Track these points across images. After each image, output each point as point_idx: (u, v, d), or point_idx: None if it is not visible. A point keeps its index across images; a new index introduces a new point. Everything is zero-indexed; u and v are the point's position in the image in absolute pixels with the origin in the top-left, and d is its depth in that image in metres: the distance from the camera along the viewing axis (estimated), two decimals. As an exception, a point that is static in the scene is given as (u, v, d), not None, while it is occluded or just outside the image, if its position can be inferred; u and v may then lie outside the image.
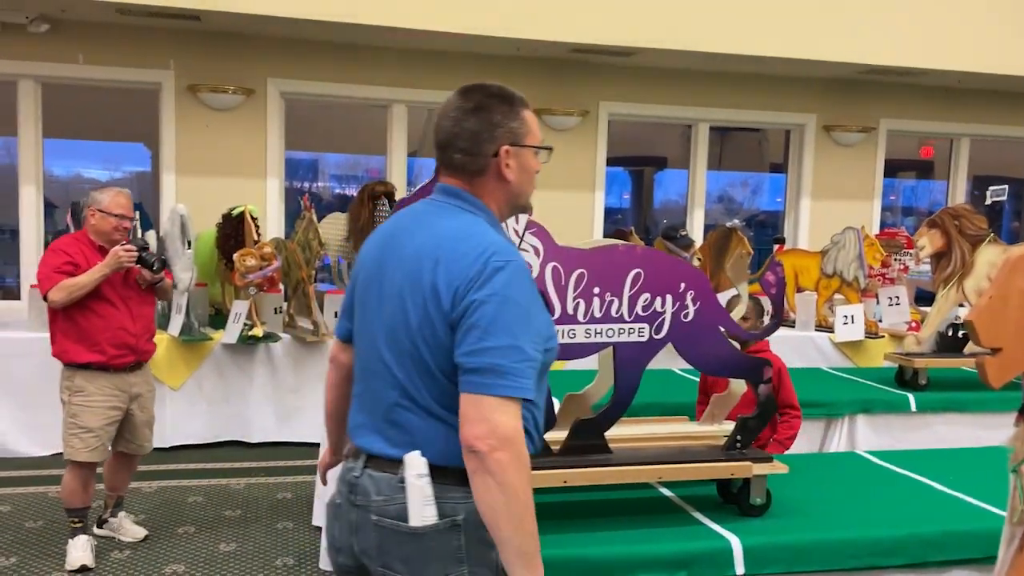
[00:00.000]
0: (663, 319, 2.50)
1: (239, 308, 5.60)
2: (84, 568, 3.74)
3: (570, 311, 2.43)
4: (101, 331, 3.75)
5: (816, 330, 6.57)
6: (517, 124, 1.71)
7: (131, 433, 3.97)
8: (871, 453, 3.45)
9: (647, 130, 9.28)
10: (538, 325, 1.61)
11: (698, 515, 2.57)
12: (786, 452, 3.57)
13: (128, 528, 4.13)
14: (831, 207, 7.89)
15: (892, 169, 10.29)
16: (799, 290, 6.74)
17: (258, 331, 5.58)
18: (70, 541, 3.82)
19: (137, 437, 3.99)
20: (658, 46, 6.52)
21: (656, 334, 2.51)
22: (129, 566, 3.85)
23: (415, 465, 1.58)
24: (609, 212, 11.24)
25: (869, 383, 4.88)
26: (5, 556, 3.89)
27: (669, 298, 2.50)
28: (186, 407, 5.57)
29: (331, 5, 5.88)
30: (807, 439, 4.40)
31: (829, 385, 4.88)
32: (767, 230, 10.98)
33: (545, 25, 6.28)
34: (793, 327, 6.53)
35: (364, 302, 1.74)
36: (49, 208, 7.24)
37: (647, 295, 2.49)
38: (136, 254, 3.73)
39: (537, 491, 2.27)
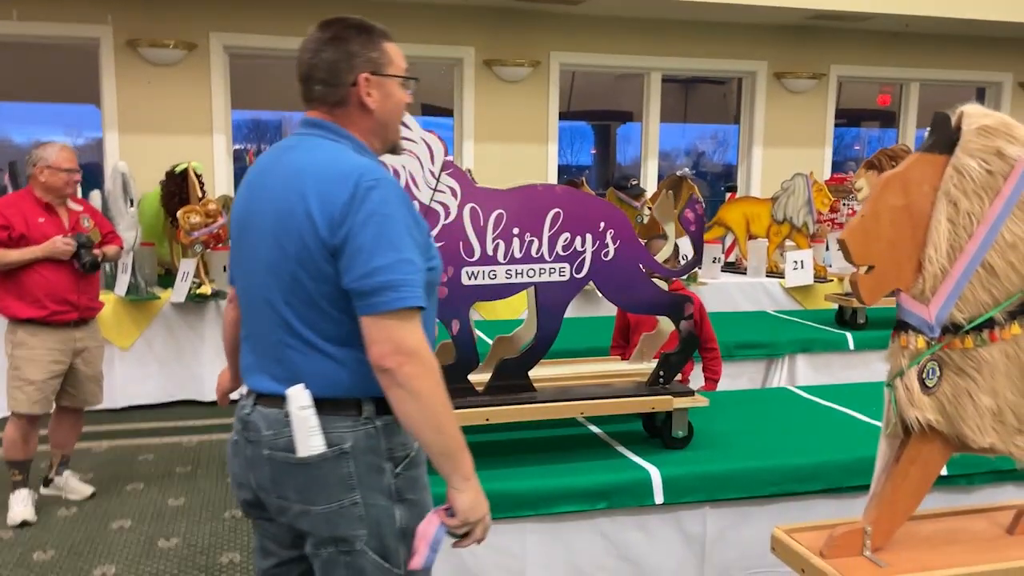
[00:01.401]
0: (583, 258, 2.53)
1: (186, 266, 5.56)
2: (25, 523, 3.75)
3: (490, 252, 2.44)
4: (41, 287, 3.75)
5: (767, 276, 6.66)
6: (377, 54, 1.72)
7: (75, 387, 3.97)
8: (801, 388, 3.53)
9: (611, 84, 9.24)
10: (418, 236, 1.64)
11: (621, 449, 2.63)
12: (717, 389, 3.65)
13: (74, 486, 4.13)
14: (783, 155, 7.95)
15: (855, 118, 10.36)
16: (751, 237, 6.82)
17: (206, 289, 5.55)
18: (11, 496, 3.83)
19: (81, 391, 3.99)
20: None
21: (577, 273, 2.53)
22: (75, 523, 3.86)
23: (297, 398, 1.62)
24: (573, 168, 11.22)
25: (810, 324, 4.98)
26: (-50, 516, 3.89)
27: (589, 237, 2.52)
28: (137, 367, 5.54)
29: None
30: (748, 379, 4.50)
31: (771, 326, 4.97)
32: (728, 180, 11.06)
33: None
34: (744, 274, 6.61)
35: (240, 246, 1.76)
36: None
37: (567, 235, 2.51)
38: (72, 250, 3.78)
39: (462, 430, 2.34)
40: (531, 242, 2.48)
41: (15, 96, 7.44)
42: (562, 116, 7.40)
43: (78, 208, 4.10)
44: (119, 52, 6.28)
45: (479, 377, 2.54)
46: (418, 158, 2.34)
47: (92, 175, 5.91)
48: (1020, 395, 1.69)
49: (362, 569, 1.67)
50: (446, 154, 2.37)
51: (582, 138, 13.05)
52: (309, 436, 1.63)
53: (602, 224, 2.54)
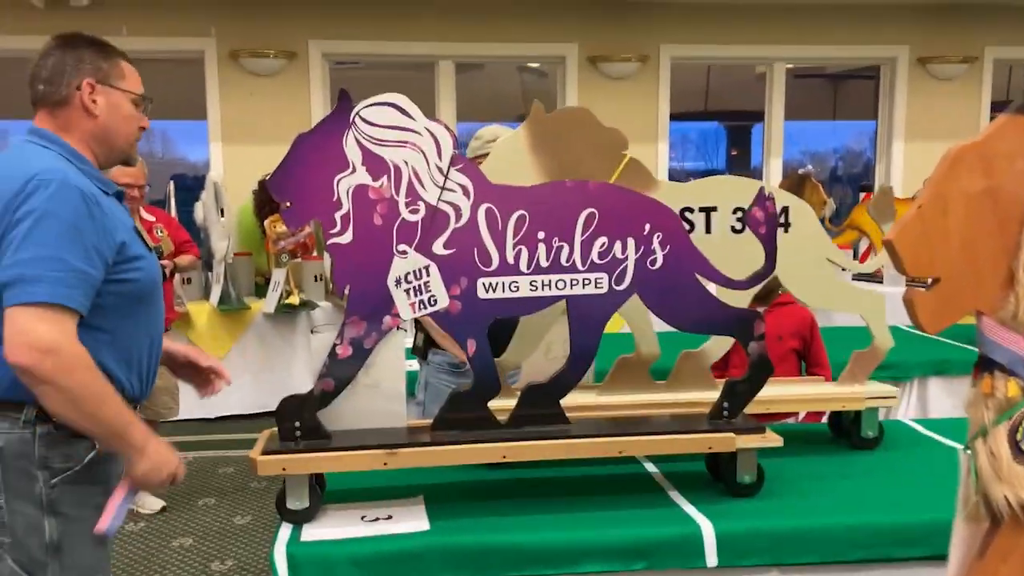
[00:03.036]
0: (625, 267, 2.12)
1: (277, 276, 5.50)
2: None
3: (510, 260, 2.08)
4: None
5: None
6: (108, 65, 1.81)
7: (148, 399, 3.92)
8: (920, 422, 2.94)
9: (750, 82, 8.60)
10: (94, 241, 1.65)
11: (674, 494, 2.20)
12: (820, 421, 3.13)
13: (146, 500, 4.09)
14: (928, 149, 7.09)
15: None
16: (887, 241, 6.07)
17: (294, 299, 5.47)
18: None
19: (154, 403, 3.95)
20: (718, -22, 5.96)
21: (617, 285, 2.13)
22: (138, 539, 3.79)
23: None
24: (705, 173, 10.60)
25: (948, 341, 4.28)
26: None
27: (631, 242, 2.11)
28: (231, 377, 5.52)
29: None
30: (868, 406, 3.88)
31: (900, 343, 4.30)
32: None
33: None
34: (881, 283, 5.89)
35: None
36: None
37: (604, 239, 2.11)
38: None
39: (486, 467, 1.96)
40: (560, 248, 2.10)
41: (167, 115, 7.70)
42: (696, 116, 6.92)
43: (151, 218, 4.10)
44: (222, 63, 6.34)
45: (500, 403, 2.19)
46: (422, 152, 2.01)
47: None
48: None
49: None
50: (455, 147, 2.03)
51: (716, 140, 12.37)
52: None
53: (647, 226, 2.12)
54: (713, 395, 2.27)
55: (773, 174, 7.20)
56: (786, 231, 2.48)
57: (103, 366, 1.71)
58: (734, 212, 2.46)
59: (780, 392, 2.60)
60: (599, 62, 6.68)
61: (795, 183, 5.87)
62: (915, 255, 1.10)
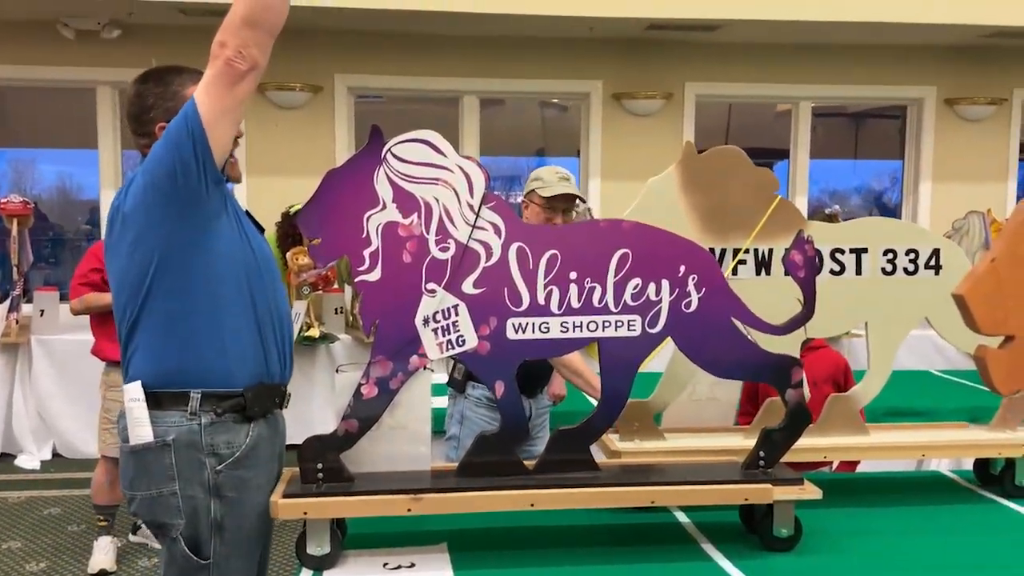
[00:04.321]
0: (659, 309, 2.06)
1: (297, 308, 5.47)
2: (103, 572, 3.65)
3: (541, 300, 2.03)
4: None
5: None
6: (173, 103, 1.92)
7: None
8: (959, 473, 2.84)
9: (771, 119, 8.59)
10: None
11: (707, 547, 2.11)
12: (855, 471, 3.04)
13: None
14: (956, 191, 7.01)
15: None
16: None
17: (314, 332, 5.43)
18: (95, 542, 3.76)
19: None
20: (746, 17, 5.94)
21: (651, 327, 2.07)
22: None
23: (129, 391, 1.85)
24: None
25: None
26: (36, 561, 3.85)
27: (665, 284, 2.06)
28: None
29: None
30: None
31: (934, 390, 4.21)
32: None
33: (616, 1, 5.83)
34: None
35: None
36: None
37: (637, 280, 2.05)
38: None
39: (513, 512, 1.97)
40: (592, 289, 2.04)
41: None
42: None
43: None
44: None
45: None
46: (454, 189, 1.97)
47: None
48: None
49: (175, 556, 1.88)
50: (487, 184, 1.99)
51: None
52: (137, 427, 1.82)
53: (682, 268, 2.06)
54: (732, 443, 2.21)
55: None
56: (936, 273, 2.45)
57: None
58: (885, 254, 2.47)
59: (930, 438, 2.60)
60: (623, 99, 6.67)
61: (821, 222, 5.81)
62: (989, 312, 1.04)
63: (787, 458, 2.19)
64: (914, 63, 6.95)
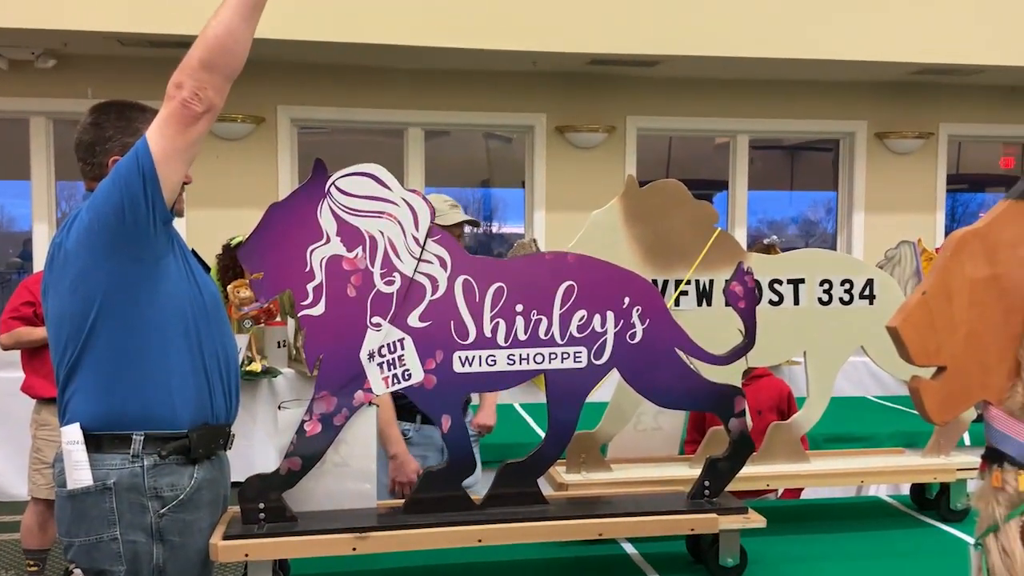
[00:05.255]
0: (604, 341, 2.08)
1: (239, 342, 5.36)
2: (33, 621, 3.50)
3: (488, 333, 2.02)
4: None
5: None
6: (132, 139, 1.87)
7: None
8: (897, 498, 2.90)
9: (711, 151, 8.78)
10: None
11: (655, 578, 2.12)
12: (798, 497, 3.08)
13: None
14: (888, 221, 7.23)
15: (979, 184, 9.53)
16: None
17: (256, 366, 5.31)
18: (23, 589, 3.60)
19: None
20: (684, 53, 6.09)
21: (596, 359, 2.08)
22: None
23: (67, 433, 1.80)
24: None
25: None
26: (-41, 610, 3.67)
27: (610, 315, 2.08)
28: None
29: (338, 26, 5.68)
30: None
31: (871, 415, 4.31)
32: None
33: (558, 36, 5.92)
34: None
35: None
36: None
37: (583, 312, 2.07)
38: None
39: (461, 550, 1.96)
40: (538, 321, 2.05)
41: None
42: None
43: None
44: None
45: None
46: (398, 222, 1.97)
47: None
48: None
49: None
50: (433, 218, 1.99)
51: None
52: (75, 470, 1.77)
53: (626, 300, 2.08)
54: (678, 472, 2.23)
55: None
56: (871, 303, 2.52)
57: None
58: (821, 284, 2.54)
59: (868, 464, 2.66)
60: (567, 132, 6.76)
61: (761, 252, 5.94)
62: (921, 344, 1.07)
63: (732, 487, 2.21)
64: (846, 98, 7.19)
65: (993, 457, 1.16)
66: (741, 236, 7.33)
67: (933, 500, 2.64)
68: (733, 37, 6.07)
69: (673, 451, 2.69)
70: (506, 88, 6.70)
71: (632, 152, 6.97)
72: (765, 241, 6.18)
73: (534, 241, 6.03)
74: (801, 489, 3.07)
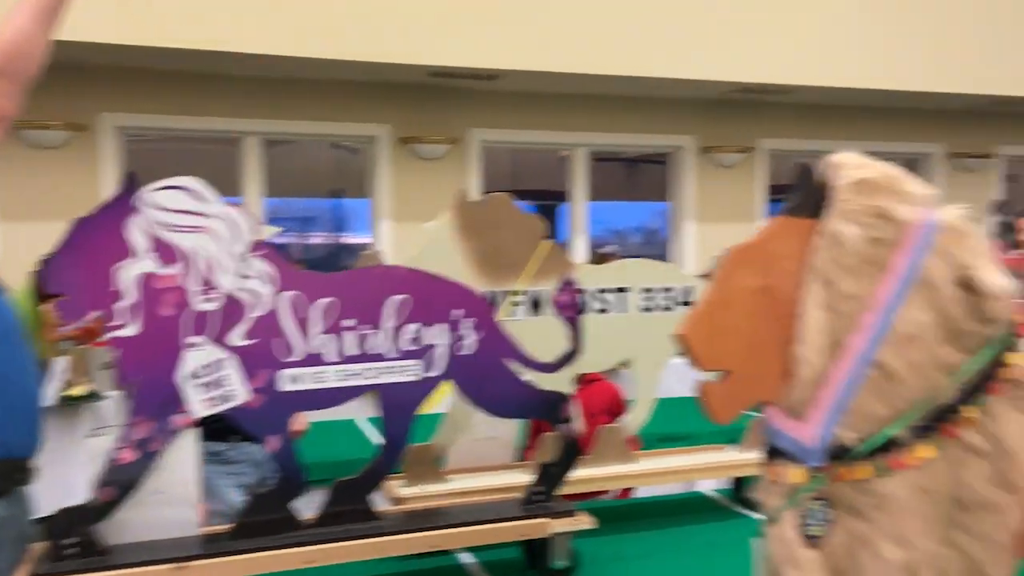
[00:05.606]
0: (437, 353, 2.09)
1: (58, 365, 4.99)
2: None
3: (316, 349, 1.99)
4: None
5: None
6: None
7: None
8: (721, 492, 3.08)
9: (557, 162, 8.99)
10: None
11: (490, 586, 2.15)
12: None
13: None
14: (716, 230, 7.69)
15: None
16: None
17: (78, 389, 4.97)
18: None
19: None
20: (521, 68, 6.23)
21: (428, 371, 2.09)
22: None
23: None
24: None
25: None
26: None
27: (443, 328, 2.09)
28: None
29: (164, 31, 5.41)
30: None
31: (699, 414, 4.53)
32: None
33: (398, 48, 5.92)
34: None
35: None
36: None
37: (416, 326, 2.07)
38: None
39: (294, 572, 1.88)
40: (370, 336, 2.04)
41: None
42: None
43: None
44: (-2, 134, 5.81)
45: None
46: (217, 237, 1.90)
47: None
48: (939, 541, 1.21)
49: None
50: (255, 231, 1.94)
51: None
52: None
53: (458, 312, 2.11)
54: (515, 479, 2.28)
55: (578, 253, 7.51)
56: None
57: None
58: (644, 292, 2.68)
59: (693, 461, 2.79)
60: (411, 143, 6.76)
61: (598, 262, 6.16)
62: (705, 349, 1.15)
63: (568, 490, 2.28)
64: (676, 114, 7.58)
65: (770, 453, 1.26)
66: (582, 245, 7.57)
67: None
68: (569, 54, 6.27)
69: (510, 458, 2.74)
70: (349, 98, 6.62)
71: (476, 162, 7.05)
72: (603, 250, 6.42)
73: (379, 253, 5.97)
74: (631, 489, 3.20)
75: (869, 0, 7.05)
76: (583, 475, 2.54)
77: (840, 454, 1.19)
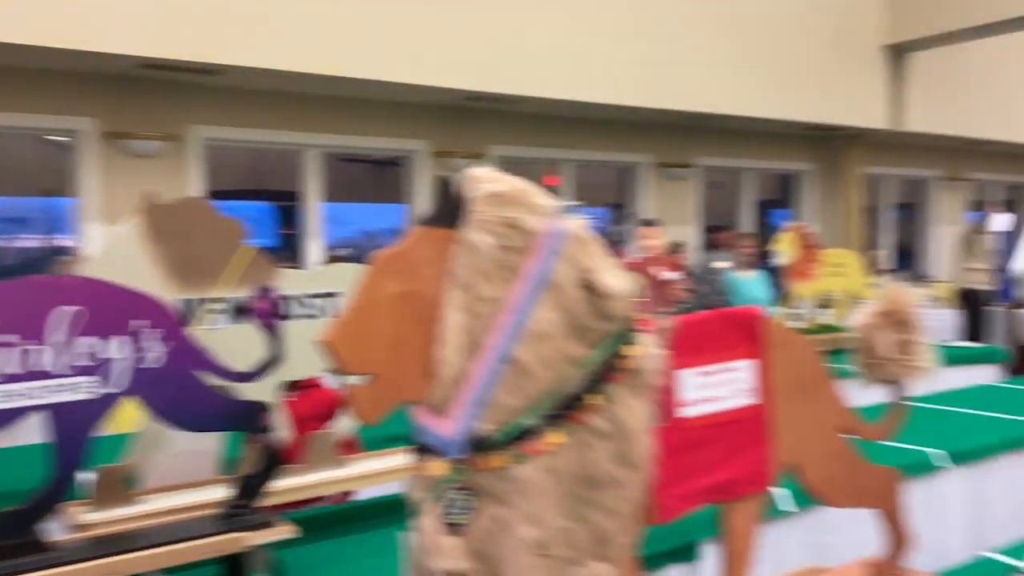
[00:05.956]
0: (116, 368, 1.96)
1: None
2: None
3: (-31, 369, 1.79)
4: None
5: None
6: None
7: None
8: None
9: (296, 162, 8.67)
10: None
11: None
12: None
13: None
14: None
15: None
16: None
17: None
18: None
19: None
20: (241, 64, 5.99)
21: (107, 388, 1.95)
22: None
23: None
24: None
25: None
26: None
27: (124, 341, 1.96)
28: None
29: None
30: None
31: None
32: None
33: (105, 36, 5.45)
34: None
35: None
36: None
37: (91, 339, 1.93)
38: None
39: None
40: (36, 352, 1.87)
41: None
42: (247, 195, 6.75)
43: None
44: None
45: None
46: None
47: None
48: (570, 517, 1.34)
49: None
50: None
51: (265, 219, 12.33)
52: None
53: (141, 323, 1.99)
54: (219, 495, 2.20)
55: (312, 254, 7.37)
56: None
57: None
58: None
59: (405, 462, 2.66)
60: (122, 138, 6.26)
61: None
62: (351, 354, 1.18)
63: (274, 500, 2.23)
64: (410, 119, 7.68)
65: (419, 450, 1.33)
66: (316, 247, 7.44)
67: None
68: (296, 52, 6.13)
69: (215, 472, 2.63)
70: (51, 88, 6.01)
71: (197, 160, 6.69)
72: (336, 253, 6.35)
73: (82, 257, 5.48)
74: (350, 493, 3.19)
75: (590, 20, 7.56)
76: (292, 484, 2.51)
77: (480, 445, 1.29)
